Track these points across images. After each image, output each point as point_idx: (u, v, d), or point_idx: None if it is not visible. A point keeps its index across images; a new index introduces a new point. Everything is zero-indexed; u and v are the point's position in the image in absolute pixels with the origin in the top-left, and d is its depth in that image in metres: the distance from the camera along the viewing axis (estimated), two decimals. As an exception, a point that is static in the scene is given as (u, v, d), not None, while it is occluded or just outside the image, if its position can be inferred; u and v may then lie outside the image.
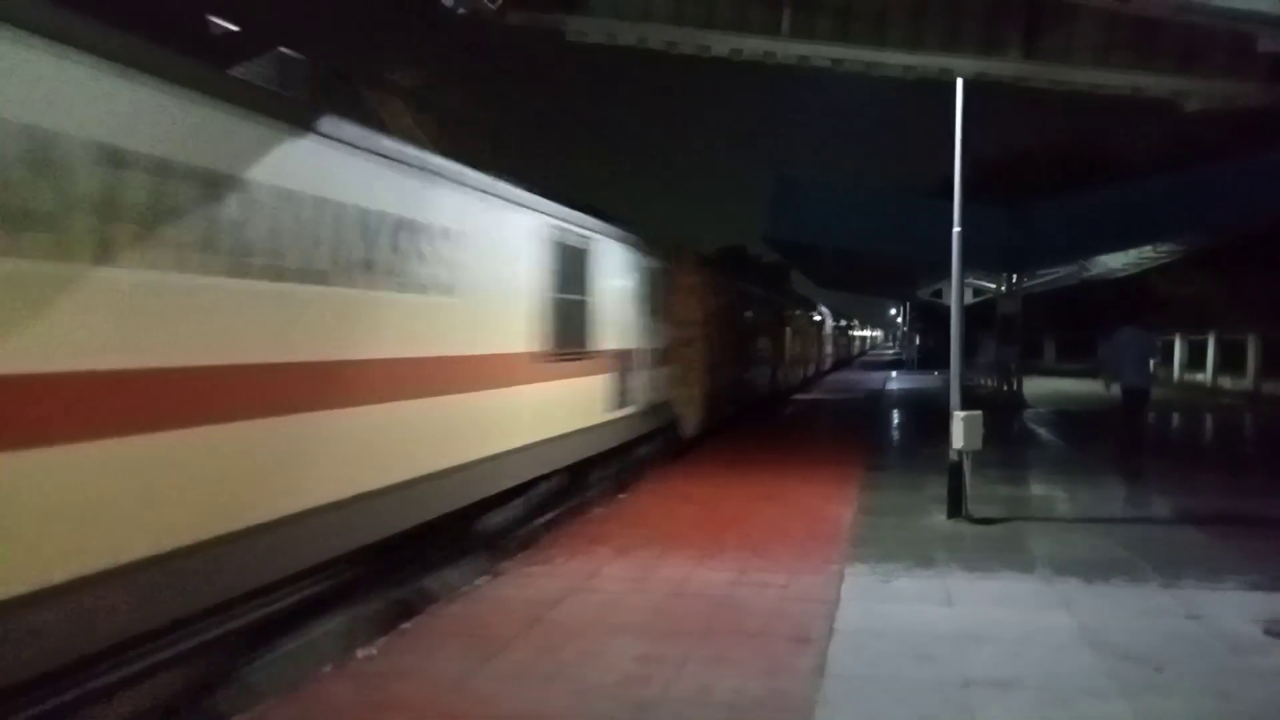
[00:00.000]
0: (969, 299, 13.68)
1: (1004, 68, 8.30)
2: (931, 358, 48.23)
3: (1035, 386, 29.81)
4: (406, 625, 6.59)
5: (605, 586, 7.56)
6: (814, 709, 5.02)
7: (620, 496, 11.83)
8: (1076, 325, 45.36)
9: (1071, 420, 22.97)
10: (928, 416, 21.10)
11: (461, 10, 7.50)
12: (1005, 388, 26.90)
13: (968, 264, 11.09)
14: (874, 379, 44.47)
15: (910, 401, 29.97)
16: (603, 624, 6.58)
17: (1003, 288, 26.16)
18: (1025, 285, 26.51)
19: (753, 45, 8.05)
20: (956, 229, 10.50)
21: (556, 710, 5.06)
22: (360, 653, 5.98)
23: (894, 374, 48.59)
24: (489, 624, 6.57)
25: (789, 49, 8.06)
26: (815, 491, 11.93)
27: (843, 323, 72.52)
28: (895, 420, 24.32)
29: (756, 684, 5.39)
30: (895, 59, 8.06)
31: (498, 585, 7.64)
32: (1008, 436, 18.34)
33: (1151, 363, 13.86)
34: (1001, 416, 20.41)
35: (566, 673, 5.61)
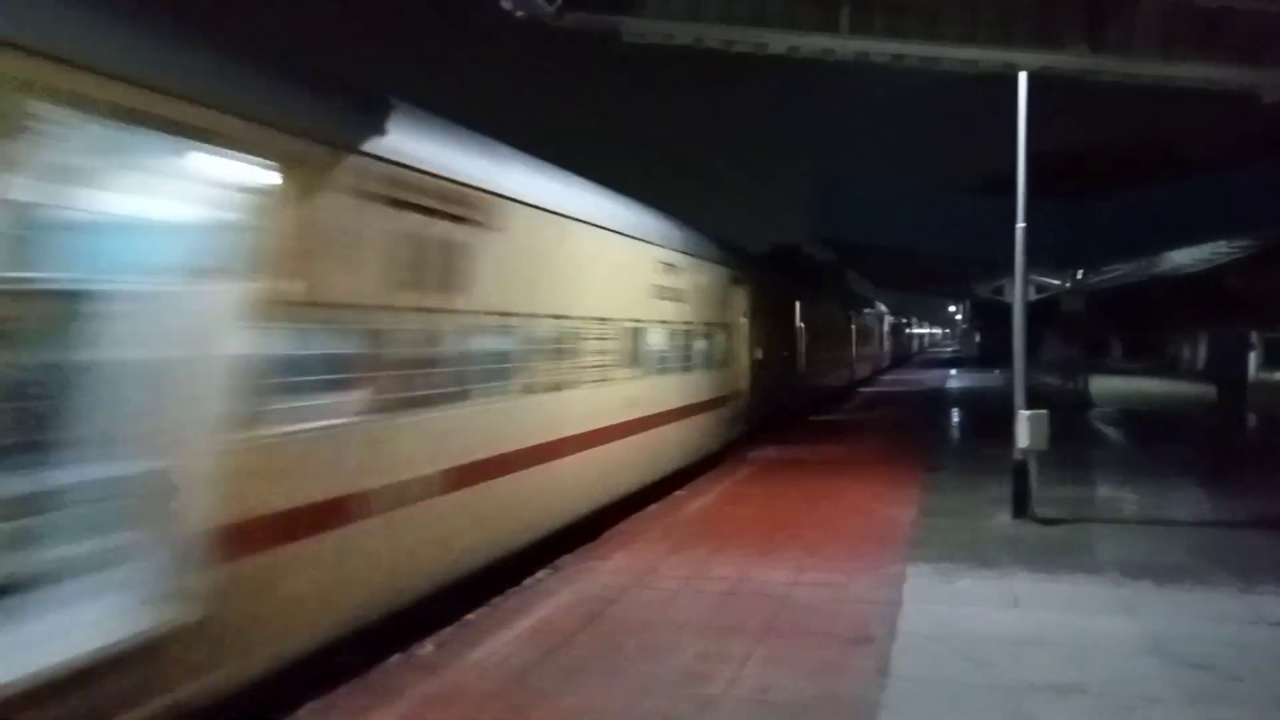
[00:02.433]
0: (1031, 296, 13.37)
1: (1068, 61, 8.11)
2: (992, 355, 47.32)
3: (1102, 385, 29.03)
4: (470, 617, 6.72)
5: (662, 584, 7.60)
6: (877, 711, 5.00)
7: (675, 494, 11.86)
8: (1144, 323, 44.08)
9: (1140, 420, 22.34)
10: (989, 416, 20.72)
11: (520, 13, 7.60)
12: (1070, 386, 26.26)
13: (1033, 261, 10.87)
14: (933, 377, 43.78)
15: (970, 400, 29.44)
16: (661, 620, 6.62)
17: (1066, 284, 25.53)
18: (1090, 282, 25.82)
19: (811, 43, 8.00)
20: (1020, 224, 10.29)
21: (619, 705, 5.12)
22: (428, 644, 6.11)
23: (953, 372, 47.77)
24: (550, 618, 6.66)
25: (847, 45, 7.99)
26: (873, 491, 11.82)
27: (900, 320, 71.52)
28: (955, 419, 23.92)
29: (818, 684, 5.38)
30: (956, 53, 7.93)
31: (557, 581, 7.73)
32: (1073, 436, 17.91)
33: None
34: (1066, 416, 19.93)
35: (627, 668, 5.67)
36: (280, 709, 5.06)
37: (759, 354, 18.07)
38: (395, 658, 5.90)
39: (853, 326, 33.37)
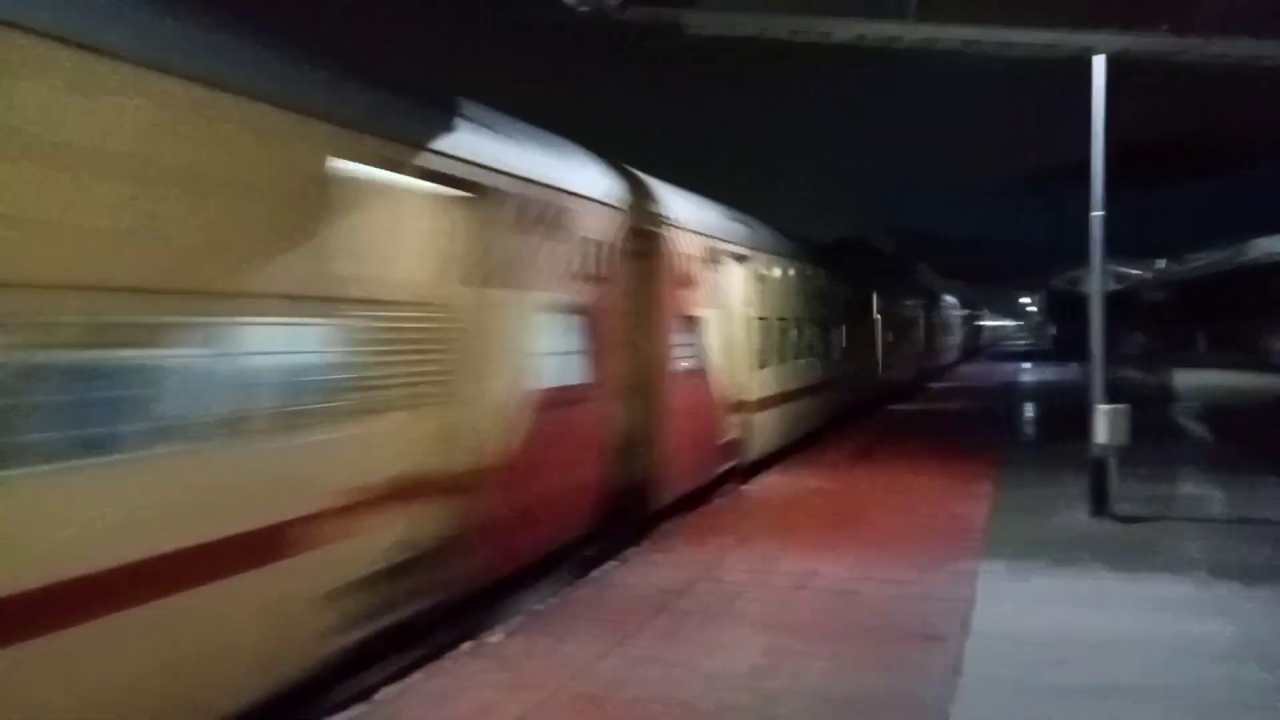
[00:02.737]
0: (1110, 286, 12.92)
1: (1150, 43, 7.78)
2: (1067, 348, 45.91)
3: (1185, 379, 27.95)
4: (539, 607, 6.81)
5: (729, 577, 7.59)
6: (949, 709, 4.91)
7: (742, 488, 11.82)
8: (1232, 314, 42.25)
9: (1227, 415, 21.42)
10: (1063, 410, 20.12)
11: (584, 8, 7.64)
12: (1151, 380, 25.37)
13: (1111, 250, 10.51)
14: (1005, 371, 42.73)
15: (1044, 394, 28.64)
16: (728, 614, 6.62)
17: (1147, 274, 24.66)
18: (1173, 271, 24.90)
19: (877, 30, 7.83)
20: (1096, 213, 9.96)
21: (685, 696, 5.13)
22: (498, 632, 6.22)
23: (1026, 365, 46.53)
24: (617, 610, 6.70)
25: (915, 32, 7.80)
26: (945, 486, 11.60)
27: (970, 313, 69.94)
28: (1029, 414, 23.31)
29: (887, 681, 5.31)
30: (1031, 37, 7.69)
31: (624, 572, 7.78)
32: (1155, 432, 17.26)
33: None
34: (1147, 410, 19.23)
35: (694, 661, 5.68)
36: (356, 693, 5.20)
37: (845, 346, 19.23)
38: (466, 645, 6.01)
39: (923, 320, 32.70)
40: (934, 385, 32.57)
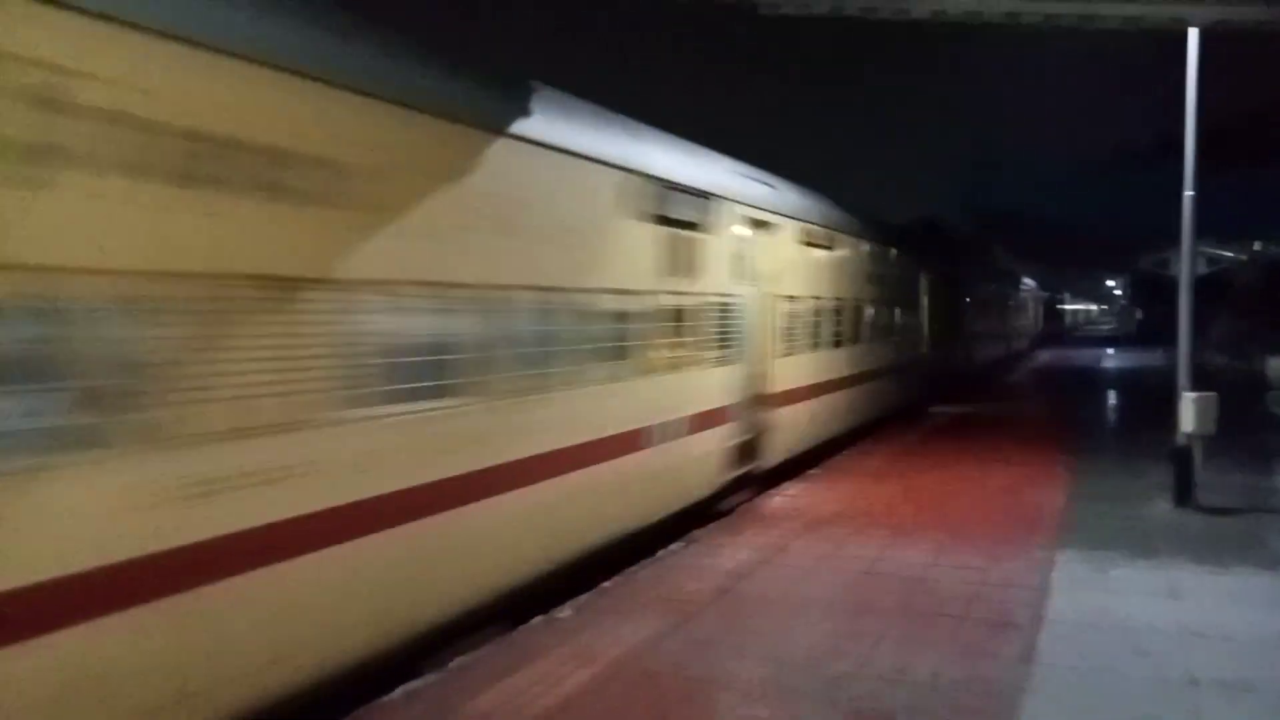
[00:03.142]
0: (1201, 269, 12.46)
1: (1245, 13, 7.36)
2: (1154, 333, 44.21)
3: (1280, 366, 26.66)
4: (606, 585, 6.91)
5: (794, 561, 7.57)
6: (1022, 697, 4.84)
7: (810, 472, 11.74)
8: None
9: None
10: (1149, 398, 19.43)
11: (660, -9, 7.63)
12: (1243, 366, 24.28)
13: (1202, 231, 10.10)
14: (1086, 356, 41.37)
15: (1128, 381, 27.67)
16: (793, 597, 6.62)
17: (1241, 256, 23.55)
18: (1270, 253, 23.73)
19: (956, 4, 7.62)
20: (1188, 193, 9.56)
21: (750, 677, 5.16)
22: (567, 609, 6.34)
23: (1109, 351, 44.96)
24: (682, 590, 6.76)
25: (996, 6, 7.54)
26: (1020, 474, 11.34)
27: (1051, 296, 67.76)
28: (1111, 401, 22.56)
29: (957, 667, 5.26)
30: (1116, 10, 7.36)
31: (689, 554, 7.83)
32: (1245, 420, 16.54)
33: None
34: (1238, 398, 18.43)
35: (758, 642, 5.70)
36: (428, 665, 5.37)
37: (927, 330, 19.38)
38: (537, 620, 6.15)
39: (999, 303, 31.52)
40: (1014, 369, 31.70)
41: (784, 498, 10.11)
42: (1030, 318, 48.45)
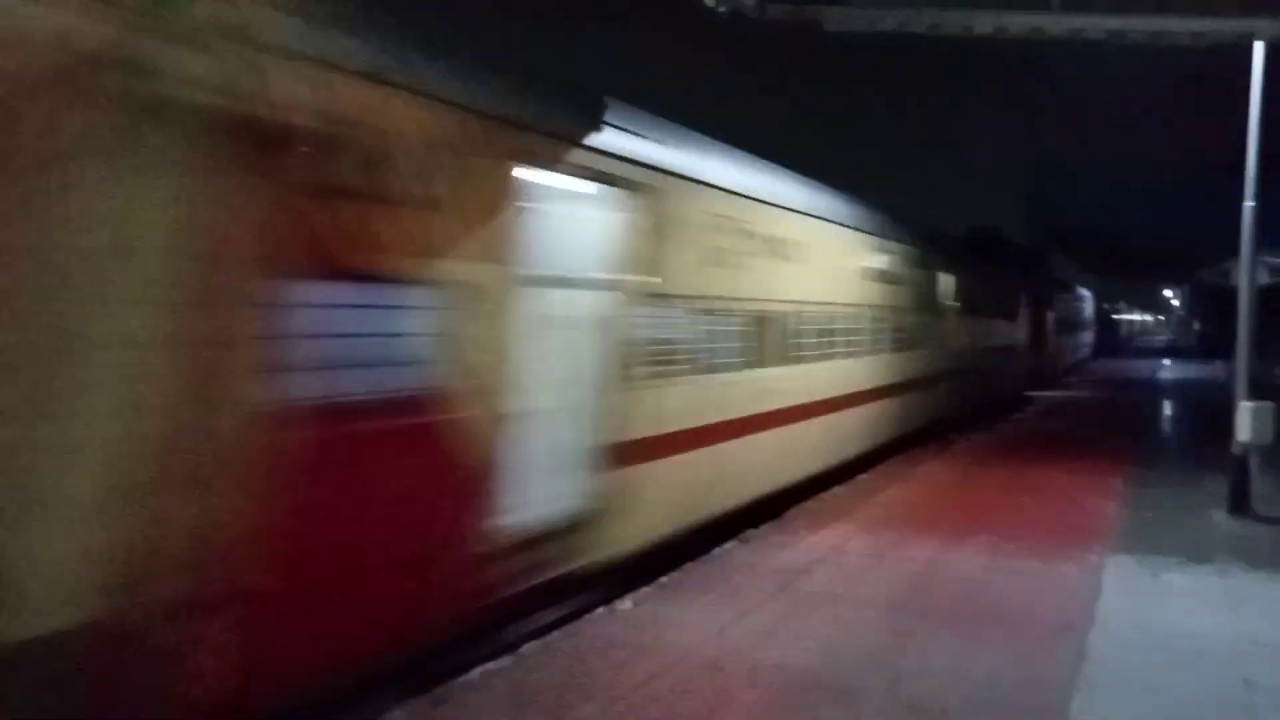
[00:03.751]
0: (1264, 280, 12.25)
1: (1316, 27, 7.41)
2: (1211, 346, 43.21)
3: (1346, 381, 26.02)
4: (664, 580, 7.16)
5: (850, 561, 7.75)
6: (1072, 695, 4.99)
7: (860, 477, 11.87)
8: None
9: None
10: (1207, 410, 19.14)
11: (723, 9, 7.86)
12: (1306, 381, 23.75)
13: (1265, 242, 10.09)
14: (1143, 367, 40.67)
15: (1187, 393, 27.20)
16: (850, 595, 6.79)
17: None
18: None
19: (1019, 22, 7.72)
20: (1249, 203, 9.56)
21: (810, 668, 5.37)
22: (627, 601, 6.61)
23: (1166, 363, 44.10)
24: (739, 585, 6.99)
25: (1059, 23, 7.66)
26: (1074, 482, 11.35)
27: (1106, 307, 66.51)
28: (1168, 413, 22.24)
29: (1012, 666, 5.41)
30: (1183, 25, 7.43)
31: (745, 552, 8.05)
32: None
33: None
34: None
35: (816, 635, 5.90)
36: (502, 649, 5.67)
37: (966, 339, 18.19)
38: (599, 610, 6.42)
39: (1036, 312, 30.07)
40: (1066, 380, 31.24)
41: (835, 502, 10.26)
42: (1089, 328, 47.60)
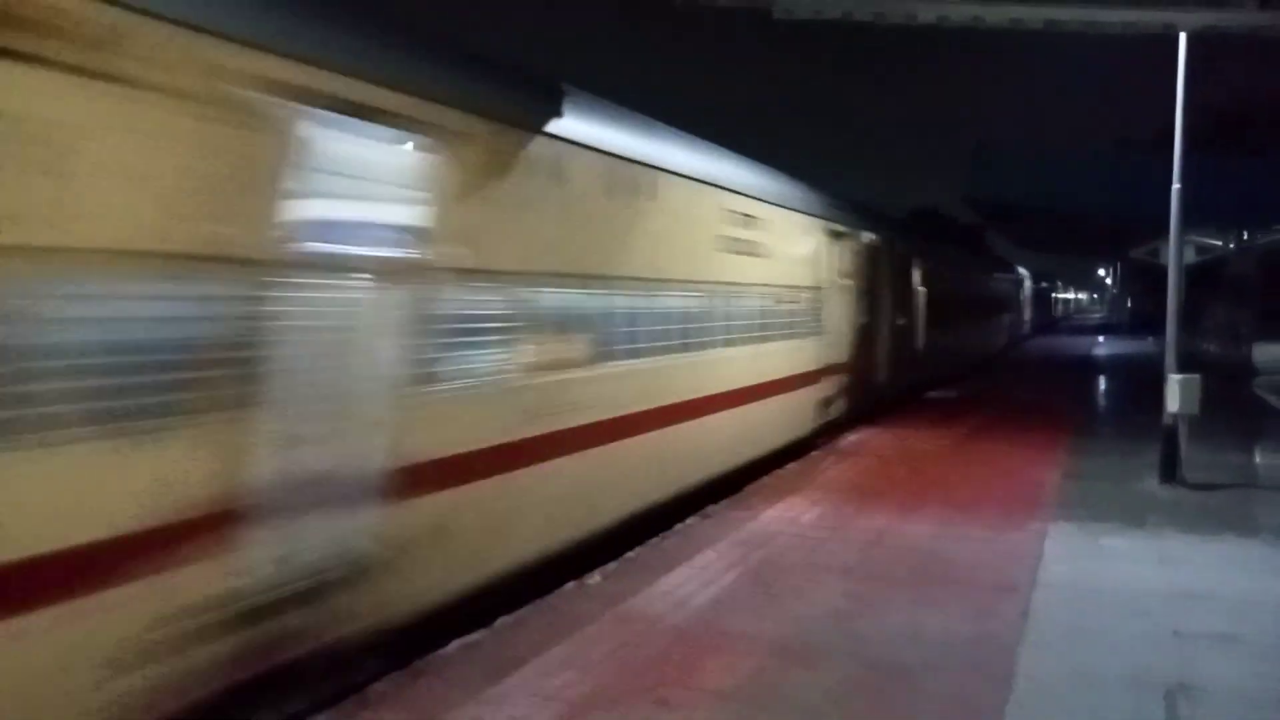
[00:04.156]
0: (1191, 258, 12.87)
1: (1235, 19, 7.83)
2: (1144, 322, 44.84)
3: (1269, 353, 27.24)
4: (630, 555, 7.37)
5: (808, 533, 8.04)
6: (1019, 650, 5.32)
7: (812, 454, 12.20)
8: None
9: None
10: (1137, 383, 19.98)
11: (676, -1, 8.04)
12: (1233, 353, 24.86)
13: (1192, 221, 10.60)
14: (1079, 344, 41.99)
15: (1120, 368, 28.26)
16: (809, 564, 7.08)
17: (1230, 245, 24.06)
18: (1259, 243, 24.24)
19: (960, 11, 8.03)
20: (1176, 185, 10.06)
21: (775, 633, 5.63)
22: (596, 576, 6.79)
23: (1100, 339, 45.61)
24: (704, 558, 7.22)
25: (1000, 13, 7.99)
26: (1017, 454, 11.84)
27: (1043, 285, 68.39)
28: (1103, 387, 23.13)
29: (963, 625, 5.74)
30: (1115, 16, 7.81)
31: (706, 526, 8.29)
32: (1235, 405, 17.10)
33: None
34: (1228, 384, 19.00)
35: (780, 602, 6.17)
36: (475, 624, 5.82)
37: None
38: (569, 585, 6.59)
39: (987, 292, 30.81)
40: (1004, 357, 32.19)
41: (790, 478, 10.57)
42: (1026, 306, 48.87)
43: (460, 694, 4.80)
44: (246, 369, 4.20)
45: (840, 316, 13.44)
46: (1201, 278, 26.75)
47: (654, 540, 7.81)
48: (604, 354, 7.24)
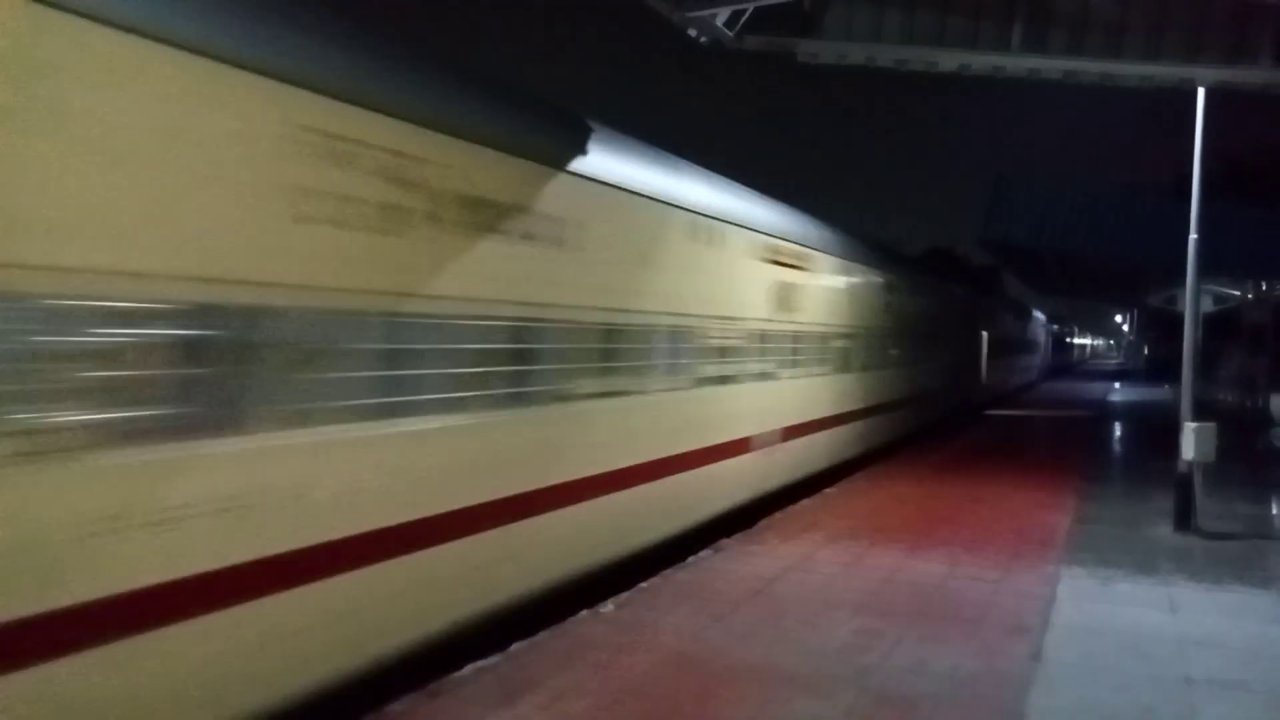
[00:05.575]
0: (1208, 307, 12.94)
1: (1251, 75, 7.97)
2: (1160, 369, 44.60)
3: (1286, 404, 27.05)
4: (644, 585, 7.45)
5: (819, 568, 8.10)
6: (1029, 688, 5.36)
7: (826, 491, 12.25)
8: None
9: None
10: (1153, 430, 19.90)
11: (703, 39, 8.25)
12: (1250, 403, 24.71)
13: (1209, 269, 10.69)
14: (1094, 390, 41.78)
15: (1135, 415, 28.11)
16: (820, 599, 7.14)
17: (1248, 294, 24.01)
18: (1277, 292, 24.17)
19: (981, 61, 8.21)
20: (1193, 235, 10.16)
21: (784, 665, 5.69)
22: (609, 604, 6.88)
23: (1116, 385, 45.37)
24: (716, 591, 7.30)
25: (1019, 63, 8.17)
26: (1028, 498, 11.84)
27: (1059, 329, 68.22)
28: (1117, 433, 23.00)
29: (972, 663, 5.78)
30: (1132, 70, 7.97)
31: (719, 560, 8.36)
32: (1251, 454, 17.02)
33: None
34: (1244, 433, 18.92)
35: (790, 636, 6.23)
36: (491, 648, 5.91)
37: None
38: (584, 613, 6.69)
39: (1025, 335, 31.55)
40: (1013, 407, 32.06)
41: (803, 514, 10.62)
42: (1041, 350, 48.73)
43: (476, 715, 4.90)
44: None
45: (947, 352, 20.84)
46: (1219, 326, 26.70)
47: (667, 571, 7.89)
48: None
